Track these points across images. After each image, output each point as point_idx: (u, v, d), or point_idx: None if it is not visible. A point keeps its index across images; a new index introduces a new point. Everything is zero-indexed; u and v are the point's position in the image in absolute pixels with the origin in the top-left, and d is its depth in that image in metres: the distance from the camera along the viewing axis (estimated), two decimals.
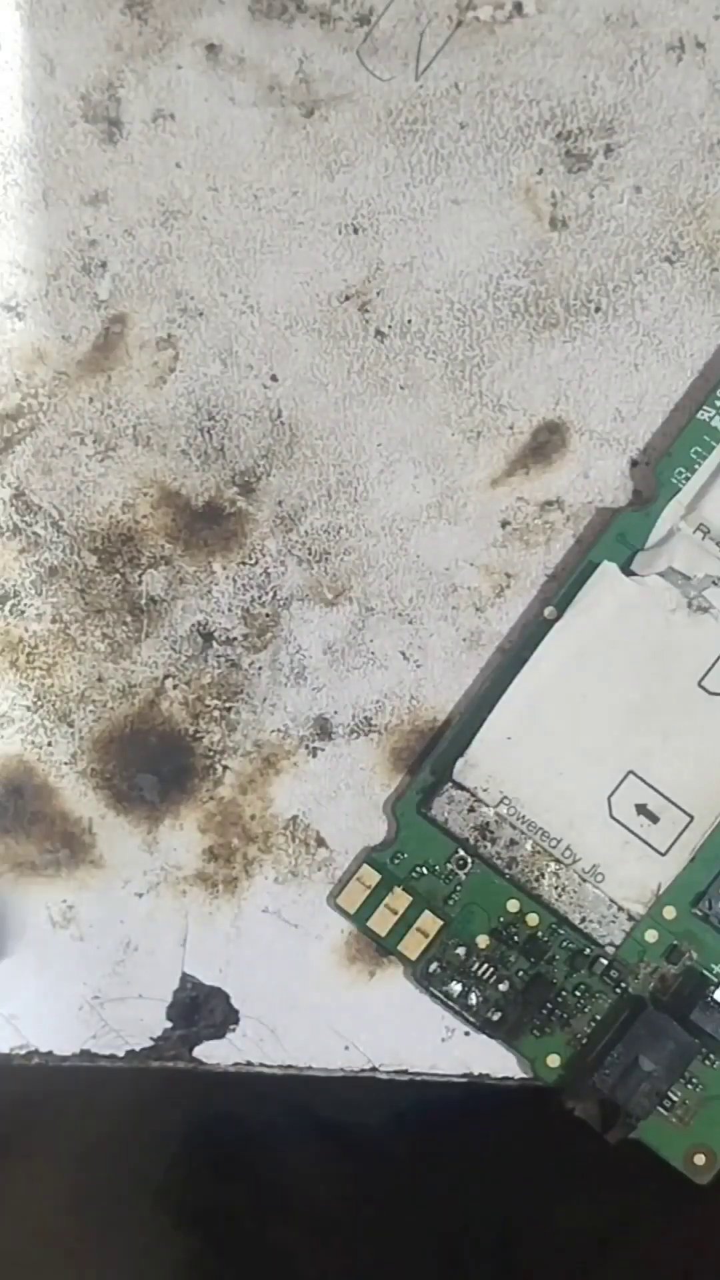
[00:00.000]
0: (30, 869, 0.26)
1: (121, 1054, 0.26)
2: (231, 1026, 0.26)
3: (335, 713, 0.26)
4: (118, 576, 0.26)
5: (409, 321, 0.26)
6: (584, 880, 0.24)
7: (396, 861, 0.25)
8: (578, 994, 0.24)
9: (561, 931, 0.24)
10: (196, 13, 0.26)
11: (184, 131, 0.26)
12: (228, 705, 0.26)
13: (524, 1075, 0.25)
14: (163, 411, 0.26)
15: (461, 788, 0.24)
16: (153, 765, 0.26)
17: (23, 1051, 0.26)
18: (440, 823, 0.24)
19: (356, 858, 0.25)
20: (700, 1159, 0.24)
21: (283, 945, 0.26)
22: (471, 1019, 0.25)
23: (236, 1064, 0.26)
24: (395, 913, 0.25)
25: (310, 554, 0.26)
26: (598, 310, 0.26)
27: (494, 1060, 0.25)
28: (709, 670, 0.24)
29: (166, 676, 0.26)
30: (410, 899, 0.25)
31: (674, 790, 0.24)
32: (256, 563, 0.26)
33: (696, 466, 0.25)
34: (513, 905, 0.24)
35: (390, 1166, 0.34)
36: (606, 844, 0.24)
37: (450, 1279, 0.34)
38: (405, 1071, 0.26)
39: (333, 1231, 0.32)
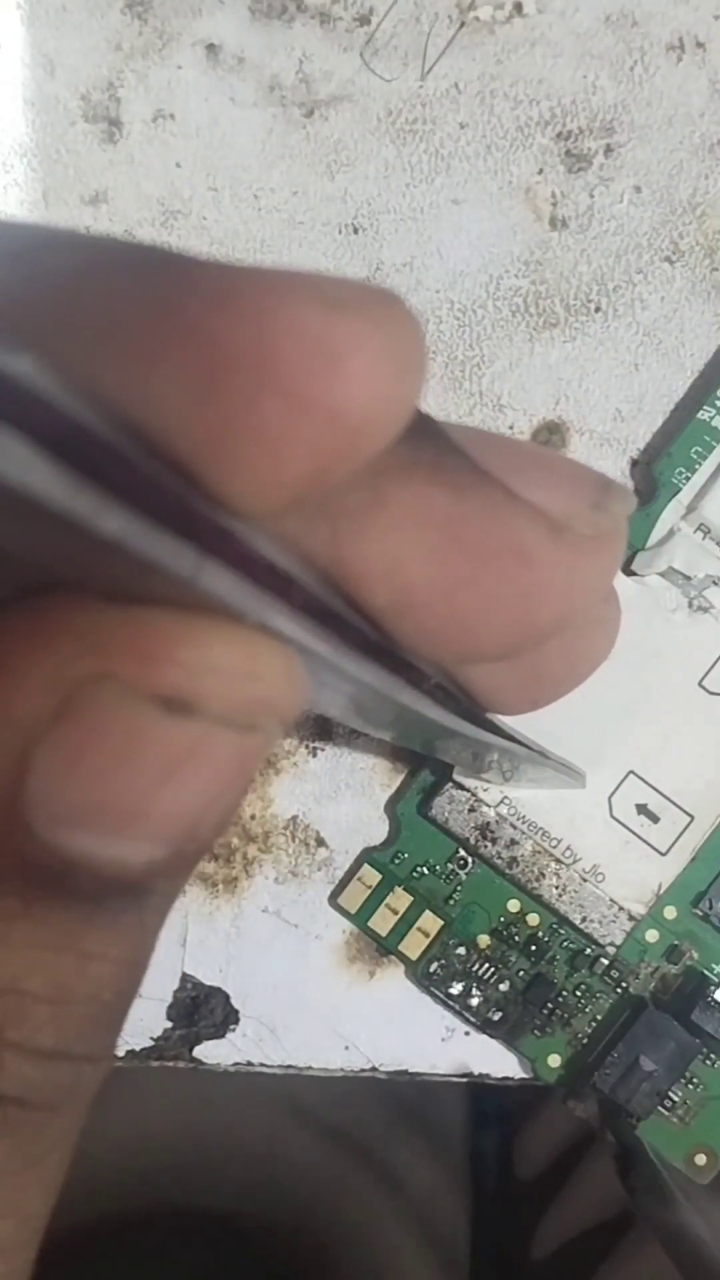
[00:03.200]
0: None
1: (121, 1054, 0.26)
2: (231, 1026, 0.26)
3: None
4: None
5: None
6: (584, 880, 0.24)
7: (397, 861, 0.25)
8: (578, 994, 0.24)
9: (562, 931, 0.24)
10: (196, 13, 0.26)
11: (184, 131, 0.26)
12: None
13: (524, 1075, 0.25)
14: None
15: (462, 788, 0.24)
16: None
17: None
18: (441, 823, 0.24)
19: (357, 858, 0.25)
20: (701, 1159, 0.24)
21: (283, 945, 0.26)
22: (472, 1019, 0.25)
23: (236, 1064, 0.26)
24: (396, 913, 0.25)
25: None
26: (598, 310, 0.26)
27: (494, 1060, 0.25)
28: (709, 670, 0.24)
29: None
30: (411, 899, 0.25)
31: (674, 790, 0.24)
32: None
33: (696, 466, 0.25)
34: (513, 905, 0.24)
35: (390, 1166, 0.34)
36: (607, 844, 0.24)
37: (451, 1279, 0.34)
38: (405, 1071, 0.26)
39: (333, 1232, 0.32)
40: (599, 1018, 0.24)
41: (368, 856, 0.25)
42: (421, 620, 0.11)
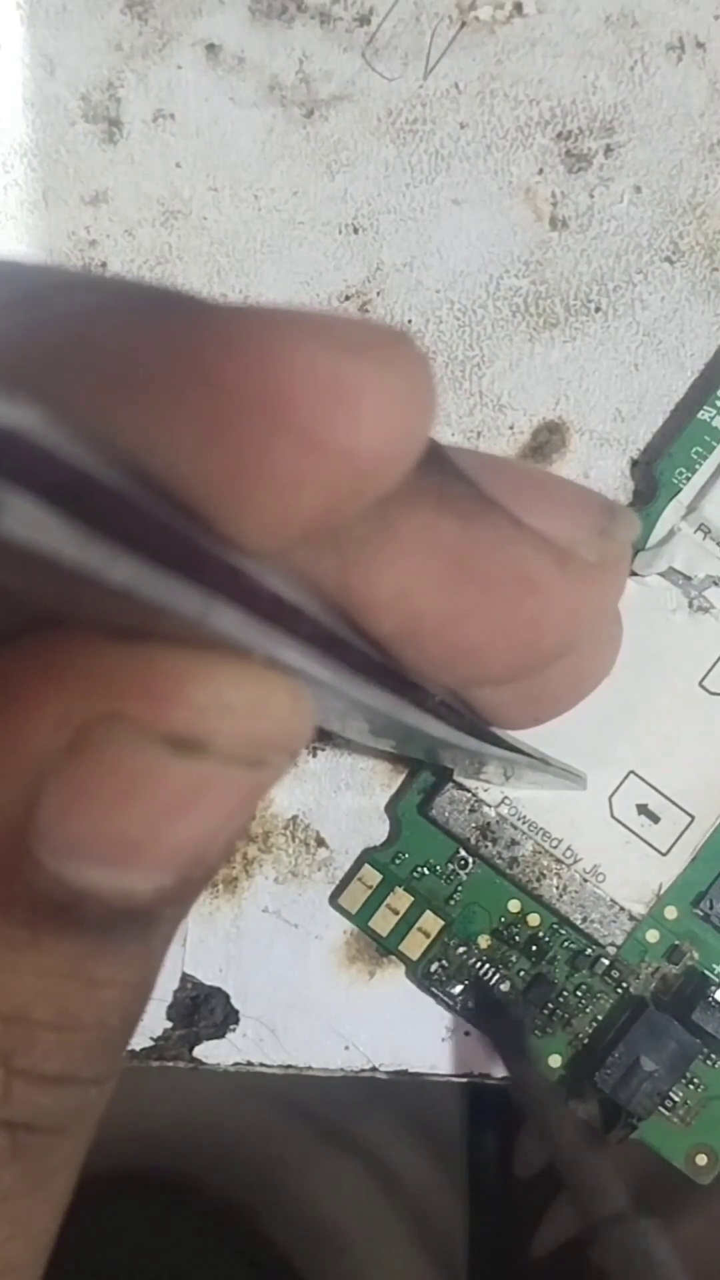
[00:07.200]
0: None
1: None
2: (231, 1026, 0.26)
3: None
4: None
5: (409, 321, 0.26)
6: (585, 880, 0.24)
7: (398, 862, 0.25)
8: (579, 994, 0.24)
9: (563, 932, 0.24)
10: (196, 13, 0.26)
11: (184, 131, 0.26)
12: None
13: None
14: None
15: (462, 788, 0.24)
16: None
17: None
18: (441, 823, 0.24)
19: (358, 858, 0.25)
20: (702, 1159, 0.24)
21: (283, 945, 0.26)
22: (472, 1019, 0.25)
23: (236, 1064, 0.26)
24: (396, 913, 0.25)
25: None
26: (598, 310, 0.26)
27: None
28: (709, 670, 0.24)
29: None
30: (412, 899, 0.25)
31: (675, 790, 0.24)
32: None
33: (696, 466, 0.25)
34: (514, 905, 0.24)
35: (390, 1166, 0.34)
36: (607, 844, 0.24)
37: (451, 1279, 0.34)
38: (405, 1071, 0.26)
39: (331, 1231, 0.32)
40: (600, 1018, 0.24)
41: (368, 856, 0.25)
42: (428, 647, 0.12)
